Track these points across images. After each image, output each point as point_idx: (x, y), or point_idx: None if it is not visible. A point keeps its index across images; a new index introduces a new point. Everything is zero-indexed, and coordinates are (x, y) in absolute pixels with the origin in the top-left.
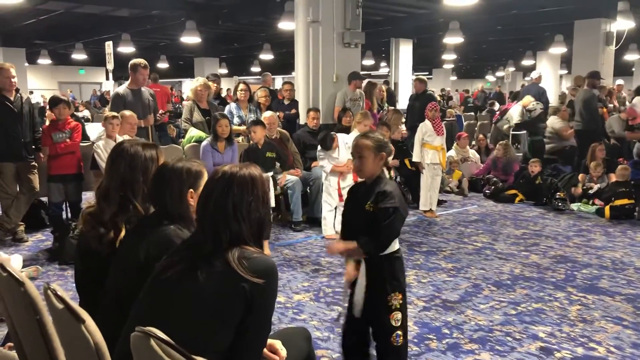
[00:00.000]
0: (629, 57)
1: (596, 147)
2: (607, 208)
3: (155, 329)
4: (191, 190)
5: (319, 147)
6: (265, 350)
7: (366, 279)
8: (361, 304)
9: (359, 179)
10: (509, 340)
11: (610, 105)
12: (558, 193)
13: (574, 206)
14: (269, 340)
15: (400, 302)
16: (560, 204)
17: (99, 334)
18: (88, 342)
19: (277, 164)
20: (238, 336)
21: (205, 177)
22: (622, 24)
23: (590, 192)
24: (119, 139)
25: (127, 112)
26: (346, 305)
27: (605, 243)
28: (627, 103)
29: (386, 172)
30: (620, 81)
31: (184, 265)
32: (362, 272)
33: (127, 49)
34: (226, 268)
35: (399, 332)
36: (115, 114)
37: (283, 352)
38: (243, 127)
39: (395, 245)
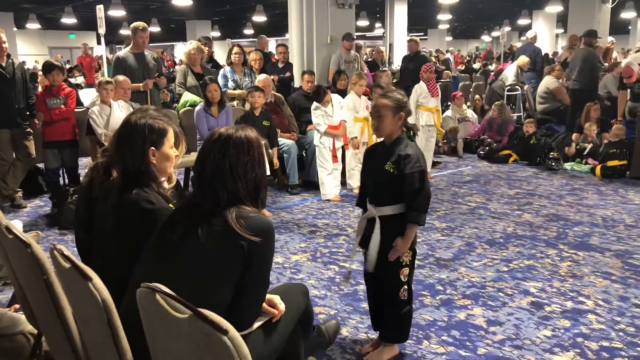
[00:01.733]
0: (625, 15)
1: (591, 107)
2: (597, 168)
3: (160, 284)
4: (153, 148)
5: (313, 107)
6: (264, 304)
7: (380, 236)
8: (375, 259)
9: (378, 139)
10: (500, 295)
11: (606, 64)
12: (551, 153)
13: (567, 165)
14: (268, 295)
15: (410, 259)
16: (553, 163)
17: (106, 291)
18: (96, 299)
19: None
20: (238, 292)
21: (171, 135)
22: None
23: (585, 152)
24: (114, 104)
25: (121, 77)
26: (354, 261)
27: (597, 201)
28: (621, 61)
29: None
30: (611, 38)
31: (185, 225)
32: (377, 229)
33: (117, 12)
34: (225, 227)
35: (406, 287)
36: (109, 79)
37: (281, 306)
38: (239, 91)
39: None
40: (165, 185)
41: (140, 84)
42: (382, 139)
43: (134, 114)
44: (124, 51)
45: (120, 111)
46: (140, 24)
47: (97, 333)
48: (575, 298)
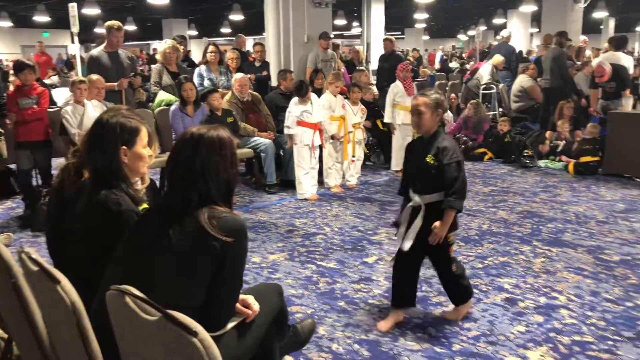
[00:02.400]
0: (597, 14)
1: (564, 105)
2: (570, 165)
3: (130, 287)
4: (124, 147)
5: (293, 102)
6: (238, 305)
7: (423, 221)
8: (412, 240)
9: (417, 135)
10: (475, 292)
11: (578, 63)
12: (526, 150)
13: (541, 163)
14: (242, 296)
15: (454, 239)
16: (527, 161)
17: (75, 294)
18: (65, 302)
19: (254, 129)
20: (211, 293)
21: (144, 134)
22: None
23: (558, 150)
24: (87, 104)
25: (94, 76)
26: (397, 247)
27: (570, 198)
28: (592, 60)
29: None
30: (583, 37)
31: (157, 225)
32: (421, 215)
33: (92, 10)
34: (197, 227)
35: (456, 262)
36: (82, 78)
37: (255, 306)
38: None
39: None
40: (139, 185)
41: (115, 83)
42: (421, 134)
43: (106, 113)
44: (97, 50)
45: (94, 111)
46: (115, 23)
47: (67, 336)
48: (548, 294)
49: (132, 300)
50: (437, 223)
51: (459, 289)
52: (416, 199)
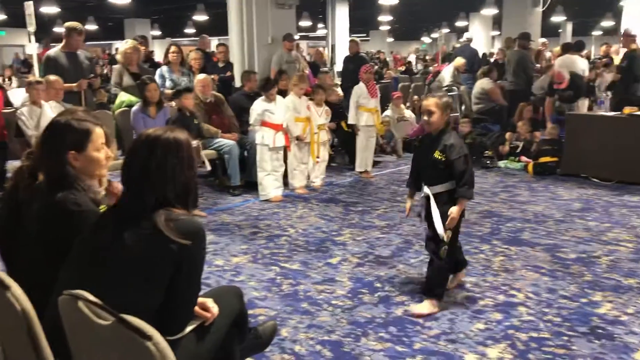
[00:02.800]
0: (556, 18)
1: (524, 107)
2: (530, 165)
3: (83, 291)
4: (73, 152)
5: (259, 100)
6: (196, 308)
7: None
8: (442, 225)
9: (426, 131)
10: None
11: (538, 66)
12: (486, 151)
13: (501, 163)
14: (200, 299)
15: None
16: (488, 161)
17: (25, 300)
18: (15, 308)
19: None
20: (168, 296)
21: (96, 136)
22: None
23: (518, 151)
24: (45, 105)
25: (52, 77)
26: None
27: (529, 198)
28: (552, 62)
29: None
30: (543, 40)
31: (112, 228)
32: (433, 204)
33: (50, 9)
34: (154, 230)
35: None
36: (39, 79)
37: (214, 309)
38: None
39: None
40: (98, 187)
41: (74, 84)
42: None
43: (59, 115)
44: (54, 50)
45: (52, 112)
46: (76, 25)
47: (18, 343)
48: (507, 292)
49: (85, 304)
50: (453, 209)
51: (434, 279)
52: (426, 189)
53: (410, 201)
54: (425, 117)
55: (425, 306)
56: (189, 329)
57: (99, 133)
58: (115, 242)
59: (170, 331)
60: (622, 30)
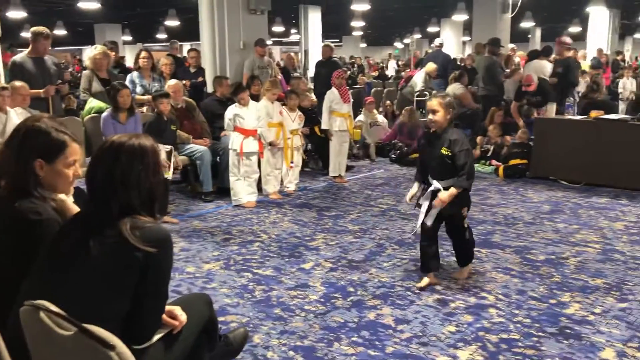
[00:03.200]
0: (525, 24)
1: (495, 112)
2: (500, 168)
3: (45, 301)
4: (40, 160)
5: (232, 106)
6: (164, 316)
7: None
8: (434, 217)
9: (431, 130)
10: (408, 294)
11: (507, 70)
12: None
13: None
14: (168, 307)
15: (466, 213)
16: None
17: None
18: None
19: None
20: (135, 304)
21: (71, 152)
22: None
23: (488, 154)
24: (10, 111)
25: (18, 83)
26: (420, 223)
27: (500, 200)
28: (521, 69)
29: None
30: (512, 45)
31: (76, 236)
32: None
33: (17, 13)
34: (119, 238)
35: (469, 230)
36: (4, 84)
37: (183, 317)
38: (147, 97)
39: None
40: (62, 196)
41: (41, 91)
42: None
43: (27, 121)
44: (21, 55)
45: (17, 118)
46: (42, 29)
47: None
48: (478, 294)
49: (46, 315)
50: (443, 193)
51: (467, 252)
52: (435, 184)
53: (417, 186)
54: (430, 116)
55: (465, 271)
56: (156, 337)
57: (74, 149)
58: (79, 251)
59: (138, 340)
60: (587, 36)
